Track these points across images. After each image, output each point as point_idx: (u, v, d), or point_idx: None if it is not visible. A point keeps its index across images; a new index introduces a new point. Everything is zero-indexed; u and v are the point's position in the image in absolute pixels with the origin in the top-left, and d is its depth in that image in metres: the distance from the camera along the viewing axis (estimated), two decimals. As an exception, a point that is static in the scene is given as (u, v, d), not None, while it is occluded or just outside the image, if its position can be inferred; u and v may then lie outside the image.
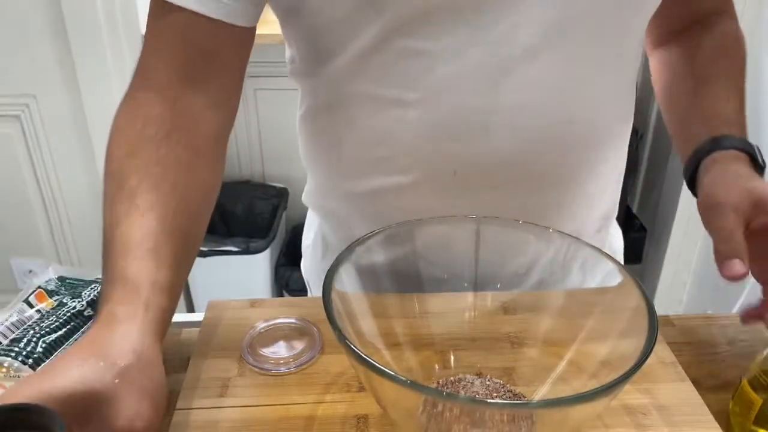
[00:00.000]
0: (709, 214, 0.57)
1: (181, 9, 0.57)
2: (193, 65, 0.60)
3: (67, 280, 0.61)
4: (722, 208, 0.55)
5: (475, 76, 0.60)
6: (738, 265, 0.51)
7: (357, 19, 0.59)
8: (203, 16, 0.57)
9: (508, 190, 0.66)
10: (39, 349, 0.52)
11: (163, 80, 0.59)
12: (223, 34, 0.59)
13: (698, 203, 0.60)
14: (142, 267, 0.49)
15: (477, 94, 0.61)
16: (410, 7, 0.57)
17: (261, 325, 0.61)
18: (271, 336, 0.60)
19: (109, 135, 0.58)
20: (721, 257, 0.52)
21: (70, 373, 0.42)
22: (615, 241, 0.83)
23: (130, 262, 0.49)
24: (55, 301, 0.57)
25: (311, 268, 0.87)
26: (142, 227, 0.51)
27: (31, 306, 0.57)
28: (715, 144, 0.62)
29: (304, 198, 0.81)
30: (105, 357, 0.43)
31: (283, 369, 0.56)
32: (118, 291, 0.48)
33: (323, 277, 0.50)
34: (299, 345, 0.59)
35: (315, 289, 0.88)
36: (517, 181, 0.65)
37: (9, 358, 0.50)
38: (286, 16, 0.65)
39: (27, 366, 0.50)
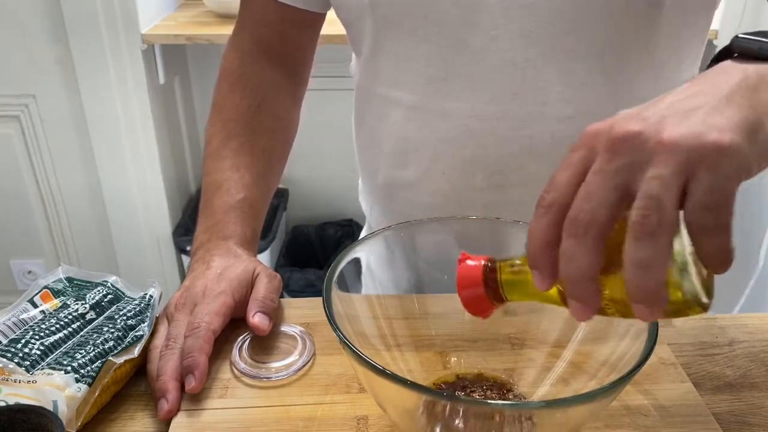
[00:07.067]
0: None
1: None
2: (269, 42, 0.75)
3: (75, 281, 0.60)
4: None
5: (459, 84, 0.63)
6: None
7: (362, 22, 0.65)
8: (275, 2, 0.71)
9: (493, 195, 0.67)
10: (36, 351, 0.51)
11: (250, 54, 0.75)
12: (293, 17, 0.73)
13: None
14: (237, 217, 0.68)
15: (459, 100, 0.63)
16: (397, 14, 0.62)
17: (249, 334, 0.60)
18: (262, 343, 0.59)
19: (213, 100, 0.75)
20: None
21: (236, 270, 0.61)
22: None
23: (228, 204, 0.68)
24: (60, 301, 0.57)
25: None
26: (237, 182, 0.69)
27: (35, 306, 0.56)
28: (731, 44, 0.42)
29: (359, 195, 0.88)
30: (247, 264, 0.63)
31: (274, 377, 0.56)
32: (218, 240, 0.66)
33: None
34: (292, 351, 0.58)
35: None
36: (503, 187, 0.66)
37: (5, 359, 0.50)
38: None
39: (23, 368, 0.50)
